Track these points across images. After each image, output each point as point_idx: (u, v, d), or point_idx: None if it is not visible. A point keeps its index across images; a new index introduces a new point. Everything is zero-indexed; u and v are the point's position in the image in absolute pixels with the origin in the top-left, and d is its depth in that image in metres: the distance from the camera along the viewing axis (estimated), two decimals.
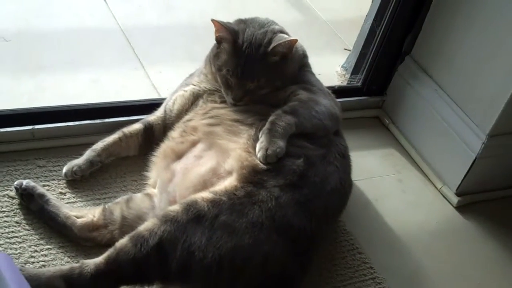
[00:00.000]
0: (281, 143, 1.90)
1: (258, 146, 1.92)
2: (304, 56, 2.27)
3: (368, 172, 2.60)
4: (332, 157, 2.02)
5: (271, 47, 2.07)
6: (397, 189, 2.59)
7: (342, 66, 3.05)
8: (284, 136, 1.93)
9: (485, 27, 2.43)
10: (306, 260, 1.91)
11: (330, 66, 3.05)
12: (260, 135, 1.94)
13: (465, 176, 2.53)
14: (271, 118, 1.98)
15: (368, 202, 2.46)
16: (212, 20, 2.07)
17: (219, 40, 2.13)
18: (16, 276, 1.17)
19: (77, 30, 2.93)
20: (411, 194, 2.59)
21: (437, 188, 2.62)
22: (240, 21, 2.16)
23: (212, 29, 2.12)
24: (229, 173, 1.91)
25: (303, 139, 1.99)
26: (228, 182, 1.87)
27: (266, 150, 1.89)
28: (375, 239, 2.33)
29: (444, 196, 2.60)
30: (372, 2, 2.82)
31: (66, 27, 2.94)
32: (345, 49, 3.25)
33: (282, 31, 2.15)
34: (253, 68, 2.07)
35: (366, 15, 2.86)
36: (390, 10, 2.67)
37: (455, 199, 2.56)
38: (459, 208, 2.56)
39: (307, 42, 2.32)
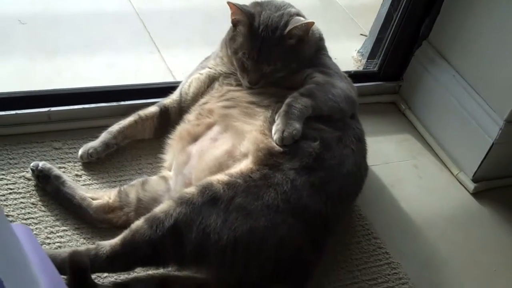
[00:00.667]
0: (297, 125, 1.90)
1: (274, 128, 1.91)
2: (320, 39, 2.25)
3: (384, 157, 2.59)
4: (348, 140, 2.01)
5: (287, 30, 2.05)
6: (413, 175, 2.57)
7: (358, 51, 3.03)
8: (300, 118, 1.92)
9: (504, 11, 2.40)
10: (321, 243, 1.90)
11: (346, 51, 3.04)
12: (276, 117, 1.93)
13: (482, 162, 2.51)
14: (287, 100, 1.97)
15: (383, 187, 2.45)
16: (228, 3, 2.06)
17: (235, 23, 2.12)
18: (37, 248, 1.17)
19: (93, 14, 2.94)
20: (427, 179, 2.57)
21: (453, 174, 2.60)
22: (256, 4, 2.15)
23: (227, 12, 2.11)
24: (245, 155, 1.91)
25: (319, 122, 1.98)
26: (244, 165, 1.87)
27: (283, 132, 1.88)
28: (391, 224, 2.32)
29: (460, 182, 2.58)
30: None
31: (82, 10, 2.94)
32: (361, 34, 3.23)
33: (298, 14, 2.14)
34: (269, 51, 2.06)
35: (383, 0, 2.84)
36: None
37: (471, 185, 2.55)
38: (475, 194, 2.55)
39: (323, 27, 2.30)
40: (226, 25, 2.19)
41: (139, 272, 1.86)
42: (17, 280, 0.87)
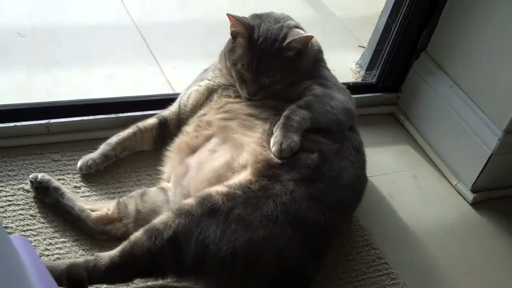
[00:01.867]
0: (295, 138, 1.90)
1: (272, 140, 1.91)
2: (319, 52, 2.26)
3: (383, 168, 2.59)
4: (346, 152, 2.01)
5: (286, 42, 2.06)
6: (412, 186, 2.58)
7: (357, 63, 3.04)
8: (298, 130, 1.93)
9: (501, 23, 2.42)
10: (320, 254, 1.90)
11: (344, 63, 3.04)
12: (274, 130, 1.94)
13: (480, 172, 2.52)
14: (285, 112, 1.97)
15: (383, 198, 2.46)
16: (228, 15, 2.07)
17: (234, 35, 2.13)
18: (35, 260, 1.17)
19: (92, 26, 2.94)
20: (426, 190, 2.57)
21: (452, 185, 2.61)
22: (256, 16, 2.16)
23: (226, 25, 2.12)
24: (244, 167, 1.91)
25: (317, 134, 1.99)
26: (243, 176, 1.87)
27: (281, 144, 1.88)
28: (390, 235, 2.32)
29: (459, 193, 2.58)
30: None
31: (81, 23, 2.95)
32: (360, 46, 3.24)
33: (297, 27, 2.15)
34: (268, 63, 2.07)
35: (381, 12, 2.85)
36: (406, 6, 2.65)
37: (470, 196, 2.55)
38: (474, 204, 2.55)
39: (321, 39, 2.31)
40: (225, 38, 2.20)
41: (138, 283, 1.86)
42: None
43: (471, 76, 2.57)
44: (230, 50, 2.14)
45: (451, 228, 2.45)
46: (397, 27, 2.71)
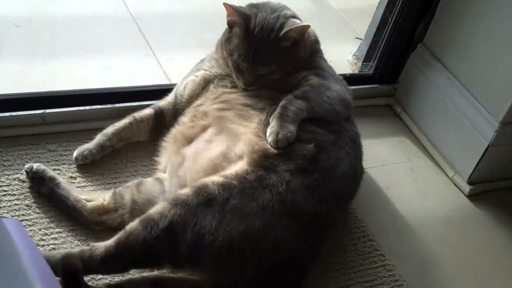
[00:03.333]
0: (292, 128, 1.90)
1: (268, 130, 1.91)
2: (316, 42, 2.26)
3: (380, 160, 2.58)
4: (343, 142, 2.01)
5: (283, 32, 2.05)
6: (409, 177, 2.57)
7: (354, 55, 3.03)
8: (295, 121, 1.92)
9: (498, 14, 2.41)
10: (317, 245, 1.90)
11: (341, 55, 3.04)
12: (271, 120, 1.93)
13: (477, 164, 2.51)
14: (282, 103, 1.97)
15: (379, 190, 2.45)
16: (224, 4, 2.06)
17: (230, 25, 2.12)
18: (28, 243, 1.17)
19: (88, 17, 2.93)
20: (423, 182, 2.57)
21: (448, 177, 2.60)
22: (252, 6, 2.15)
23: (222, 16, 2.11)
24: (240, 157, 1.90)
25: (314, 124, 1.98)
26: (239, 166, 1.87)
27: (277, 134, 1.88)
28: (386, 226, 2.32)
29: (456, 185, 2.58)
30: None
31: (78, 14, 2.93)
32: (357, 37, 3.23)
33: (294, 16, 2.14)
34: (265, 53, 2.06)
35: (378, 3, 2.85)
36: None
37: (467, 188, 2.55)
38: (471, 196, 2.54)
39: (318, 31, 2.30)
40: (221, 28, 2.19)
41: (134, 274, 1.85)
42: (8, 274, 0.86)
43: (468, 67, 2.56)
44: (226, 40, 2.13)
45: (448, 220, 2.45)
46: (394, 18, 2.70)
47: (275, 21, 2.08)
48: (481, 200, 2.54)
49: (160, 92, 2.36)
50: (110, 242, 1.77)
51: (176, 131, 2.12)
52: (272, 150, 1.88)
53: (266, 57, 2.06)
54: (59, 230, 1.96)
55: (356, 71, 2.93)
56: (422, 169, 2.63)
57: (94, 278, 1.83)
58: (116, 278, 1.85)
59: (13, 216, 1.95)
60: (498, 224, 2.47)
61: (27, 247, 1.15)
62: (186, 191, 1.80)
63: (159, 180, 2.06)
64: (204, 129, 2.06)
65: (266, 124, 1.95)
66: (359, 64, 2.94)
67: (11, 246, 0.91)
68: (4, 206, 1.98)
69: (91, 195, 2.03)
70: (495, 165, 2.55)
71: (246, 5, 2.16)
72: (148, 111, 2.27)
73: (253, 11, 2.10)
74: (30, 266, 0.94)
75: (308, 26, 2.09)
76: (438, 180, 2.60)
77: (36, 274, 1.11)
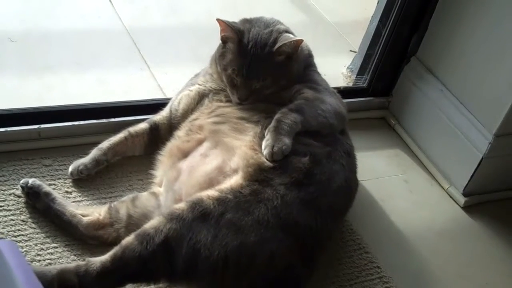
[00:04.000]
0: (287, 141, 1.90)
1: (264, 143, 1.91)
2: (309, 56, 2.27)
3: (374, 172, 2.59)
4: (338, 155, 2.01)
5: (276, 47, 2.06)
6: (404, 190, 2.58)
7: (348, 68, 3.04)
8: (290, 133, 1.93)
9: (491, 27, 2.43)
10: (312, 258, 1.90)
11: (335, 68, 3.05)
12: (266, 133, 1.94)
13: (472, 176, 2.52)
14: (277, 116, 1.98)
15: (374, 202, 2.46)
16: (218, 20, 2.07)
17: (224, 40, 2.13)
18: (22, 264, 1.17)
19: (83, 31, 2.94)
20: (418, 194, 2.58)
21: (443, 189, 2.61)
22: (246, 21, 2.16)
23: (217, 30, 2.12)
24: (235, 171, 1.91)
25: (309, 137, 1.99)
26: (234, 180, 1.87)
27: (272, 147, 1.88)
28: (382, 238, 2.33)
29: (451, 196, 2.59)
30: (378, 3, 2.82)
31: (72, 28, 2.94)
32: (351, 50, 3.24)
33: (287, 31, 2.15)
34: (259, 67, 2.07)
35: (372, 16, 2.86)
36: (396, 10, 2.66)
37: (462, 200, 2.55)
38: (466, 208, 2.55)
39: (312, 44, 2.32)
40: (216, 43, 2.20)
41: None
42: None
43: (461, 80, 2.58)
44: (220, 55, 2.14)
45: (443, 231, 2.45)
46: (387, 31, 2.72)
47: (268, 36, 2.09)
48: (476, 212, 2.55)
49: (155, 106, 2.37)
50: (106, 257, 1.77)
51: (172, 145, 2.13)
52: (267, 163, 1.88)
53: (260, 71, 2.07)
54: (55, 245, 1.96)
55: (350, 84, 2.94)
56: (417, 181, 2.64)
57: None
58: None
59: (8, 232, 1.95)
60: (493, 235, 2.48)
61: (21, 267, 1.15)
62: (181, 205, 1.80)
63: (155, 195, 2.06)
64: (199, 143, 2.06)
65: (261, 137, 1.95)
66: (353, 77, 2.95)
67: (5, 266, 0.91)
68: (0, 222, 1.98)
69: (87, 210, 2.03)
70: (489, 177, 2.56)
71: (240, 20, 2.17)
72: (143, 126, 2.28)
73: (246, 26, 2.11)
74: (23, 286, 0.94)
75: (302, 41, 2.10)
76: (433, 192, 2.61)
77: None
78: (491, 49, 2.43)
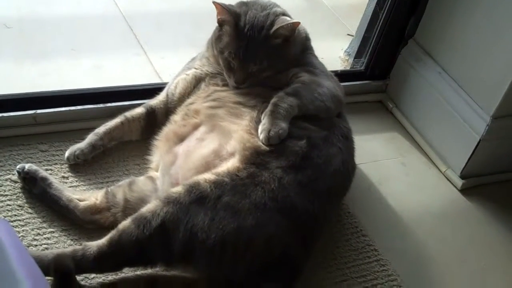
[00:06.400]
0: (283, 125, 1.90)
1: (260, 127, 1.91)
2: (306, 39, 2.26)
3: (372, 155, 2.59)
4: (335, 139, 2.01)
5: (273, 29, 2.05)
6: (401, 172, 2.58)
7: (345, 51, 3.03)
8: (286, 117, 1.92)
9: (489, 8, 2.42)
10: (310, 241, 1.91)
11: (333, 51, 3.04)
12: (262, 117, 1.93)
13: (469, 158, 2.52)
14: (273, 100, 1.97)
15: (372, 185, 2.46)
16: (214, 2, 2.06)
17: (220, 23, 2.12)
18: (15, 242, 1.17)
19: (79, 17, 2.93)
20: (415, 177, 2.58)
21: (441, 171, 2.61)
22: (242, 4, 2.15)
23: (214, 14, 2.11)
24: (232, 154, 1.90)
25: (305, 121, 1.98)
26: (231, 164, 1.87)
27: (269, 131, 1.88)
28: (379, 221, 2.33)
29: (448, 179, 2.59)
30: None
31: (68, 14, 2.93)
32: (348, 34, 3.23)
33: (284, 14, 2.14)
34: (255, 50, 2.06)
35: None
36: None
37: (459, 182, 2.55)
38: (464, 191, 2.55)
39: (310, 28, 2.30)
40: (212, 27, 2.19)
41: (127, 273, 1.85)
42: None
43: (459, 62, 2.57)
44: (217, 38, 2.13)
45: (441, 214, 2.45)
46: (384, 14, 2.71)
47: (265, 19, 2.08)
48: (473, 194, 2.55)
49: (151, 91, 2.36)
50: (102, 241, 1.77)
51: (168, 129, 2.12)
52: (264, 147, 1.88)
53: (257, 54, 2.06)
54: (51, 230, 1.96)
55: (348, 68, 2.94)
56: (414, 164, 2.64)
57: (87, 277, 1.84)
58: (110, 277, 1.85)
59: (5, 217, 1.95)
60: (491, 217, 2.48)
61: (14, 245, 1.15)
62: (178, 189, 1.80)
63: (152, 179, 2.06)
64: (195, 127, 2.06)
65: (258, 121, 1.95)
66: (351, 60, 2.94)
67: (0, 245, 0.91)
68: None
69: (84, 195, 2.03)
70: (487, 159, 2.55)
71: (236, 3, 2.16)
72: (139, 110, 2.27)
73: (243, 9, 2.10)
74: (17, 264, 0.94)
75: (298, 23, 2.09)
76: (431, 174, 2.61)
77: (23, 272, 1.11)
78: (488, 31, 2.42)
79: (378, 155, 2.61)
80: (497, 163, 2.60)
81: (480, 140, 2.47)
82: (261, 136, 1.89)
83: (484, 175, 2.60)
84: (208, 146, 1.96)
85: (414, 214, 2.39)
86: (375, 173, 2.50)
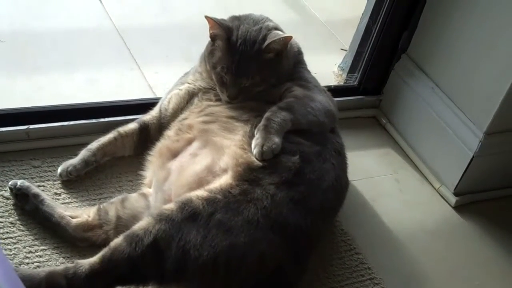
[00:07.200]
0: (276, 140, 1.89)
1: (253, 142, 1.90)
2: (299, 53, 2.26)
3: (365, 172, 2.58)
4: (328, 154, 2.00)
5: (265, 44, 2.05)
6: (395, 189, 2.57)
7: (339, 66, 3.03)
8: (279, 132, 1.92)
9: (480, 23, 2.42)
10: (303, 258, 1.89)
11: (327, 66, 3.04)
12: (255, 132, 1.93)
13: (462, 175, 2.51)
14: (266, 114, 1.96)
15: (365, 202, 2.45)
16: (206, 17, 2.06)
17: (213, 37, 2.12)
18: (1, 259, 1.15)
19: (72, 31, 2.92)
20: (409, 194, 2.57)
21: (434, 188, 2.60)
22: (234, 18, 2.15)
23: (208, 29, 2.11)
24: (224, 171, 1.90)
25: (298, 136, 1.98)
26: (223, 180, 1.86)
27: (262, 146, 1.87)
28: (373, 239, 2.32)
29: (442, 196, 2.58)
30: (368, 0, 2.81)
31: (62, 28, 2.92)
32: (342, 49, 3.23)
33: (276, 28, 2.14)
34: (248, 65, 2.06)
35: (362, 14, 2.85)
36: (385, 7, 2.66)
37: (453, 199, 2.54)
38: (457, 208, 2.54)
39: (303, 43, 2.31)
40: (206, 42, 2.18)
41: None
42: None
43: (451, 77, 2.57)
44: (209, 53, 2.13)
45: (434, 231, 2.45)
46: (377, 29, 2.71)
47: (257, 33, 2.08)
48: (467, 211, 2.54)
49: (145, 106, 2.35)
50: (94, 259, 1.76)
51: (161, 145, 2.11)
52: (257, 163, 1.87)
53: (249, 69, 2.06)
54: (43, 247, 1.95)
55: (342, 83, 2.94)
56: (408, 180, 2.63)
57: None
58: None
59: None
60: (484, 235, 2.47)
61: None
62: (170, 206, 1.79)
63: (144, 195, 2.05)
64: (189, 142, 2.05)
65: (251, 136, 1.94)
66: (344, 75, 2.94)
67: None
68: None
69: (76, 212, 2.02)
70: (480, 176, 2.55)
71: (229, 17, 2.16)
72: (132, 126, 2.27)
73: (235, 24, 2.10)
74: (1, 282, 0.93)
75: (291, 37, 2.09)
76: (424, 191, 2.60)
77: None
78: (480, 46, 2.43)
79: (372, 172, 2.60)
80: (491, 180, 2.60)
81: (473, 156, 2.46)
82: (255, 151, 1.89)
83: (478, 192, 2.59)
84: (201, 162, 1.95)
85: (408, 231, 2.38)
86: (369, 189, 2.49)
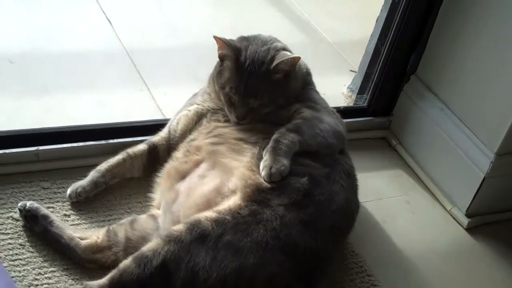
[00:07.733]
0: (285, 161, 1.88)
1: (262, 164, 1.90)
2: (307, 74, 2.26)
3: (376, 193, 2.57)
4: (337, 176, 1.99)
5: (273, 64, 2.05)
6: (406, 211, 2.55)
7: (348, 87, 3.03)
8: (288, 154, 1.91)
9: (489, 44, 2.42)
10: (313, 281, 1.88)
11: (336, 88, 3.04)
12: (264, 154, 1.92)
13: (474, 196, 2.49)
14: (274, 136, 1.96)
15: (376, 224, 2.43)
16: (215, 37, 2.06)
17: (221, 58, 2.12)
18: (7, 282, 1.15)
19: (82, 52, 2.93)
20: (420, 215, 2.55)
21: (446, 210, 2.58)
22: (243, 39, 2.15)
23: (216, 50, 2.12)
24: (233, 192, 1.89)
25: (307, 158, 1.97)
26: (232, 201, 1.85)
27: (270, 168, 1.87)
28: (384, 261, 2.30)
29: (454, 218, 2.55)
30: (377, 22, 2.82)
31: (71, 49, 2.94)
32: (351, 70, 3.23)
33: (285, 49, 2.14)
34: (256, 85, 2.06)
35: (371, 35, 2.85)
36: (394, 29, 2.66)
37: (465, 221, 2.52)
38: (470, 229, 2.51)
39: (313, 64, 2.31)
40: (215, 63, 2.19)
41: None
42: None
43: (461, 98, 2.56)
44: (218, 73, 2.14)
45: (446, 253, 2.42)
46: (386, 50, 2.71)
47: (265, 54, 2.08)
48: (479, 233, 2.52)
49: (154, 127, 2.36)
50: (103, 280, 1.76)
51: (170, 166, 2.11)
52: (266, 184, 1.86)
53: (258, 90, 2.06)
54: (53, 269, 1.94)
55: (351, 104, 2.93)
56: (419, 202, 2.61)
57: None
58: None
59: (6, 256, 1.93)
60: (497, 257, 2.44)
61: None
62: (179, 227, 1.78)
63: (153, 217, 2.04)
64: (197, 164, 2.05)
65: (259, 158, 1.94)
66: (354, 97, 2.94)
67: None
68: None
69: (85, 233, 2.01)
70: (492, 197, 2.53)
71: (237, 38, 2.17)
72: (141, 147, 2.27)
73: (243, 44, 2.11)
74: None
75: (299, 58, 2.09)
76: (436, 213, 2.58)
77: None
78: (490, 66, 2.42)
79: (382, 193, 2.59)
80: (503, 201, 2.57)
81: (484, 177, 2.44)
82: (263, 173, 1.88)
83: (490, 213, 2.57)
84: (210, 184, 1.95)
85: (419, 253, 2.36)
86: (380, 211, 2.47)
